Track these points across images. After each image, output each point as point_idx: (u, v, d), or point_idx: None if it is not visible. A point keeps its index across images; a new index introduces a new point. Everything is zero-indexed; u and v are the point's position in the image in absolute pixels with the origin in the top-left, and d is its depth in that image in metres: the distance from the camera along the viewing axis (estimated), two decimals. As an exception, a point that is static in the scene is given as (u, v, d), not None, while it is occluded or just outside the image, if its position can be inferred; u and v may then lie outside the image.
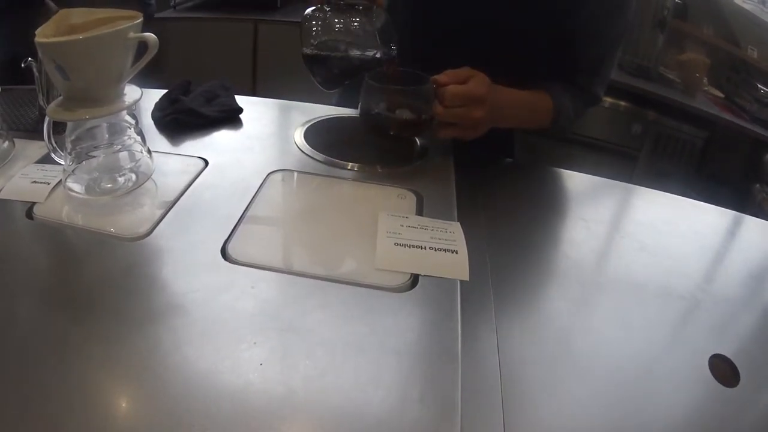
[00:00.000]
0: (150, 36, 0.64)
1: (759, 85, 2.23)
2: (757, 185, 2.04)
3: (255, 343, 0.50)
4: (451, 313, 0.57)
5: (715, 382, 0.59)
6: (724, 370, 0.60)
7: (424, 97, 0.84)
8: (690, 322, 0.68)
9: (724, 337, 0.66)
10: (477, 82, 0.82)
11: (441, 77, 0.82)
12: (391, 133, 0.87)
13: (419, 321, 0.55)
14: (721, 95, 2.35)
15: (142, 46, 0.65)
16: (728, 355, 0.62)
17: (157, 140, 0.87)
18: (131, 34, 0.63)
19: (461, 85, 0.81)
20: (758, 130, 2.13)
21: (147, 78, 0.72)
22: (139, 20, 0.64)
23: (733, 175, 2.24)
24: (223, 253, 0.62)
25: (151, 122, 0.92)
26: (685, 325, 0.67)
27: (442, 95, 0.81)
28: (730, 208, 0.94)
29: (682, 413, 0.55)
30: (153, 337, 0.50)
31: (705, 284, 0.74)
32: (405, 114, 0.86)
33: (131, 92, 0.70)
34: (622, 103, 2.34)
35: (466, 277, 0.62)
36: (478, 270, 0.67)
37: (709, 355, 0.61)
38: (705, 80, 2.38)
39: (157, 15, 2.55)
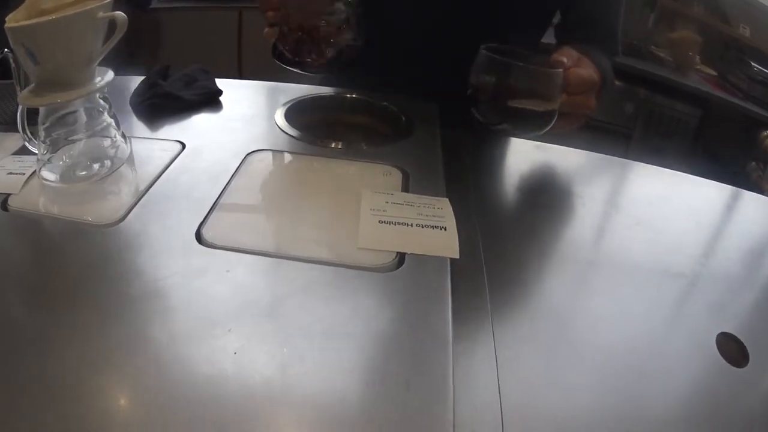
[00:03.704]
0: (119, 14, 0.63)
1: (752, 63, 2.23)
2: (753, 163, 2.03)
3: (229, 330, 0.48)
4: (441, 292, 0.54)
5: (724, 361, 0.56)
6: (732, 349, 0.58)
7: (555, 83, 0.68)
8: (692, 299, 0.66)
9: (730, 315, 0.63)
10: (590, 65, 0.72)
11: (562, 58, 0.69)
12: (501, 126, 0.71)
13: (406, 302, 0.53)
14: (714, 73, 2.35)
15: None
16: (736, 334, 0.60)
17: (136, 126, 0.85)
18: (100, 14, 0.62)
19: (582, 69, 0.70)
20: (752, 107, 2.13)
21: (133, 68, 0.75)
22: (108, 0, 0.63)
23: (728, 154, 2.24)
24: (198, 236, 0.60)
25: (130, 108, 0.90)
26: (687, 303, 0.65)
27: (565, 80, 0.68)
28: (725, 187, 0.93)
29: (689, 394, 0.53)
30: (128, 324, 0.48)
31: (704, 260, 0.72)
32: (528, 103, 0.69)
33: (103, 75, 0.69)
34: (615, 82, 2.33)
35: (456, 254, 0.60)
36: (469, 247, 0.64)
37: (716, 334, 0.59)
38: (697, 58, 2.38)
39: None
